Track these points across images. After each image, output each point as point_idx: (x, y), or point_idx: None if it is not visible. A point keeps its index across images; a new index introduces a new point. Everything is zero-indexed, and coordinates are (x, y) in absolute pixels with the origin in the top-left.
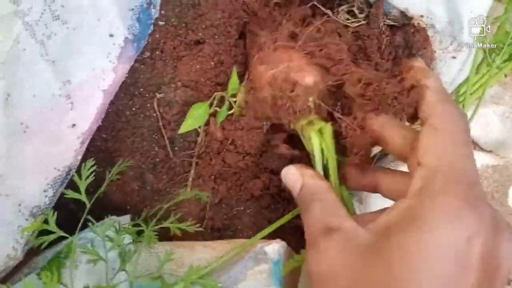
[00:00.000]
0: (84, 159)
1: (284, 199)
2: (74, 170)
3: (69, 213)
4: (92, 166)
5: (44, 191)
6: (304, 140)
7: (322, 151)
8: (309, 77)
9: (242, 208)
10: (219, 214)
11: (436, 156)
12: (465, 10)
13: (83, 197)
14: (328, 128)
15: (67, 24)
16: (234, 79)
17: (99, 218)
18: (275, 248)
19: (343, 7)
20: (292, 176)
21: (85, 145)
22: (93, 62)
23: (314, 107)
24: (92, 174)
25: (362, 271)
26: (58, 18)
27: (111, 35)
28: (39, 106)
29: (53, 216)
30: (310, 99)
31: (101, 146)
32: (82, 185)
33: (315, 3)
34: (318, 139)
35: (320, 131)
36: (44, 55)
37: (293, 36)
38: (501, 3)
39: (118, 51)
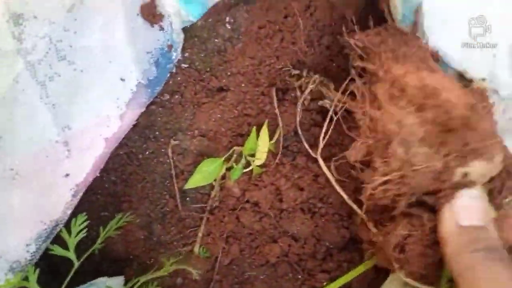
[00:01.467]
0: (90, 202)
1: (304, 269)
2: (62, 225)
3: (56, 266)
4: (84, 221)
5: (27, 245)
6: None
7: None
8: None
9: (255, 273)
10: (229, 277)
11: None
12: None
13: (71, 255)
14: None
15: (74, 65)
16: (252, 137)
17: (95, 270)
18: None
19: None
20: (477, 208)
21: (77, 198)
22: (99, 107)
23: None
24: (85, 230)
25: None
26: (65, 59)
27: (122, 79)
28: (32, 151)
29: (35, 273)
30: None
31: (109, 189)
32: (71, 243)
33: None
34: None
35: None
36: (44, 98)
37: None
38: None
39: (128, 97)
